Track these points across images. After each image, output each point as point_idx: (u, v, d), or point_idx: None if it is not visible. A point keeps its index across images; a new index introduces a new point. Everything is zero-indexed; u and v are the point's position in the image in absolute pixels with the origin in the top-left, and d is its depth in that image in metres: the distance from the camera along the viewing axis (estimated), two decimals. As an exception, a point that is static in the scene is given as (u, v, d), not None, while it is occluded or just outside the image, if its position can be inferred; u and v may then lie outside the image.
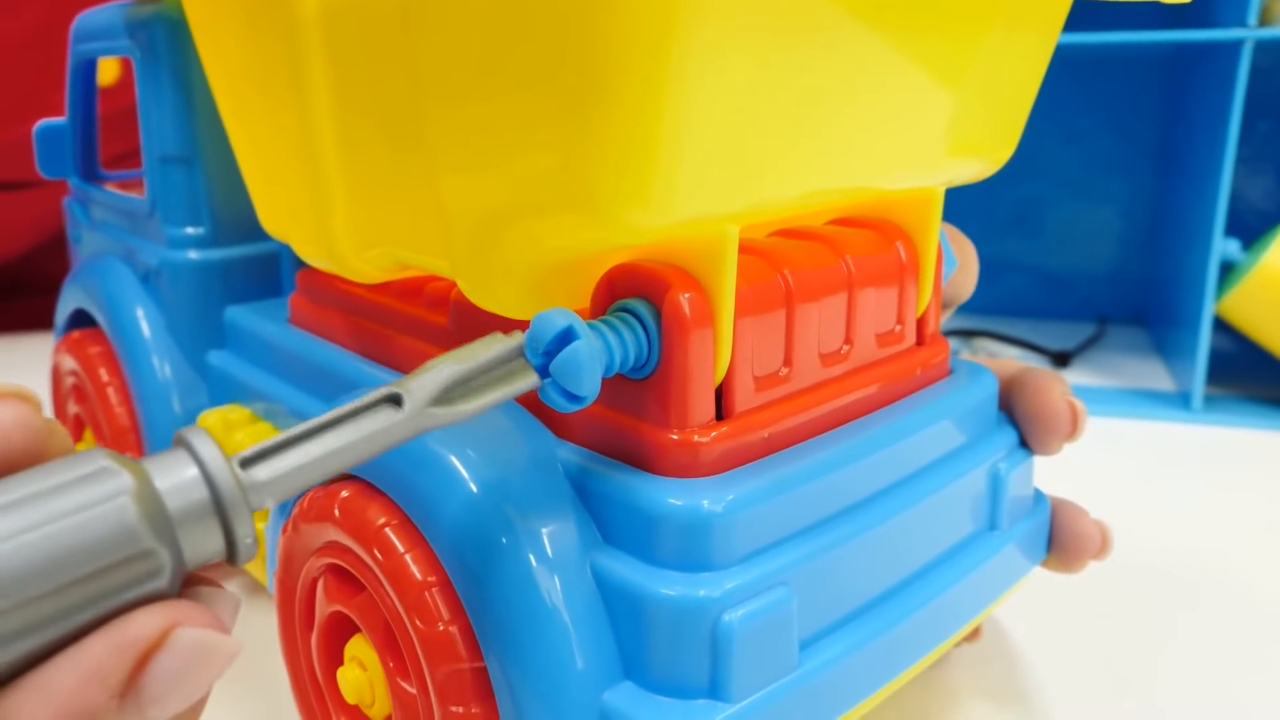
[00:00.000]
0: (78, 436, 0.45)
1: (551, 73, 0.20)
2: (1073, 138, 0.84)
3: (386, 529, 0.25)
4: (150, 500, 0.15)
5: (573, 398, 0.21)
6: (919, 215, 0.28)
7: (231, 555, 0.16)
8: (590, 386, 0.21)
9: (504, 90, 0.21)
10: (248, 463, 0.17)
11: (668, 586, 0.22)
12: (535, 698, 0.23)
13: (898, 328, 0.28)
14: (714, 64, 0.20)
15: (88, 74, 0.43)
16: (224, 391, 0.38)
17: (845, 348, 0.27)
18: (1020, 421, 0.31)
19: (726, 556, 0.23)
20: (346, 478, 0.27)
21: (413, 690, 0.25)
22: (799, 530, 0.24)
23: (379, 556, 0.25)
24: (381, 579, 0.25)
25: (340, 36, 0.26)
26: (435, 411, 0.19)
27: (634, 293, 0.24)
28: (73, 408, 0.45)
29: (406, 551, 0.25)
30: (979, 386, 0.30)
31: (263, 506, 0.16)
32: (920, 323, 0.29)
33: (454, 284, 0.29)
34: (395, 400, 0.19)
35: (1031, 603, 0.40)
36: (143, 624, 0.15)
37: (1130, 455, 0.57)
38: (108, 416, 0.40)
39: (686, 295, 0.23)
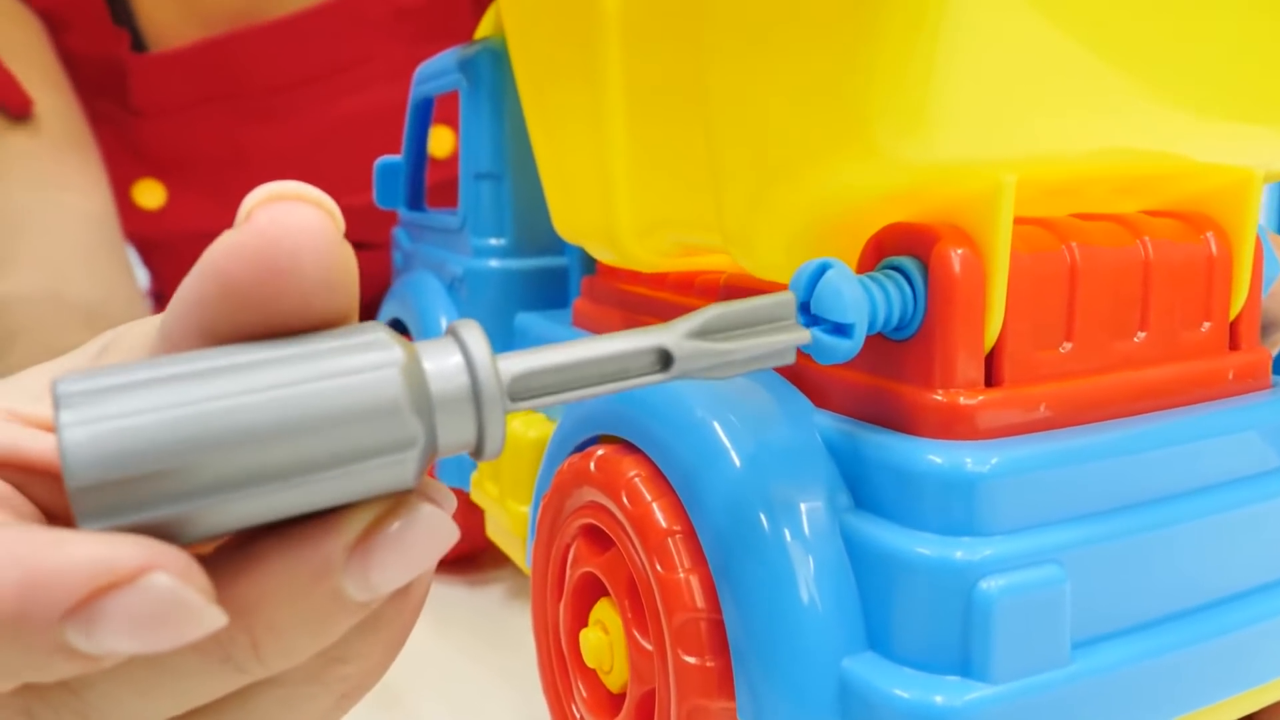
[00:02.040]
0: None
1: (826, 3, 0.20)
2: None
3: (635, 479, 0.25)
4: (416, 377, 0.15)
5: (840, 331, 0.21)
6: (1233, 204, 0.26)
7: (479, 448, 0.16)
8: (855, 313, 0.21)
9: (783, 31, 0.22)
10: (515, 381, 0.17)
11: (921, 545, 0.21)
12: (772, 659, 0.22)
13: (1206, 325, 0.26)
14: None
15: (424, 113, 0.49)
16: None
17: (1140, 335, 0.24)
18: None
19: (989, 523, 0.21)
20: (605, 438, 0.28)
21: (649, 646, 0.25)
22: (1076, 515, 0.22)
23: (627, 505, 0.25)
24: (627, 527, 0.25)
25: (635, 21, 0.28)
26: (693, 369, 0.19)
27: (903, 250, 0.23)
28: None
29: (654, 500, 0.25)
30: (1308, 404, 0.26)
31: (513, 410, 0.17)
32: (1235, 324, 0.26)
33: (723, 274, 0.30)
34: (662, 356, 0.18)
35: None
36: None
37: None
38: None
39: (958, 250, 0.22)
